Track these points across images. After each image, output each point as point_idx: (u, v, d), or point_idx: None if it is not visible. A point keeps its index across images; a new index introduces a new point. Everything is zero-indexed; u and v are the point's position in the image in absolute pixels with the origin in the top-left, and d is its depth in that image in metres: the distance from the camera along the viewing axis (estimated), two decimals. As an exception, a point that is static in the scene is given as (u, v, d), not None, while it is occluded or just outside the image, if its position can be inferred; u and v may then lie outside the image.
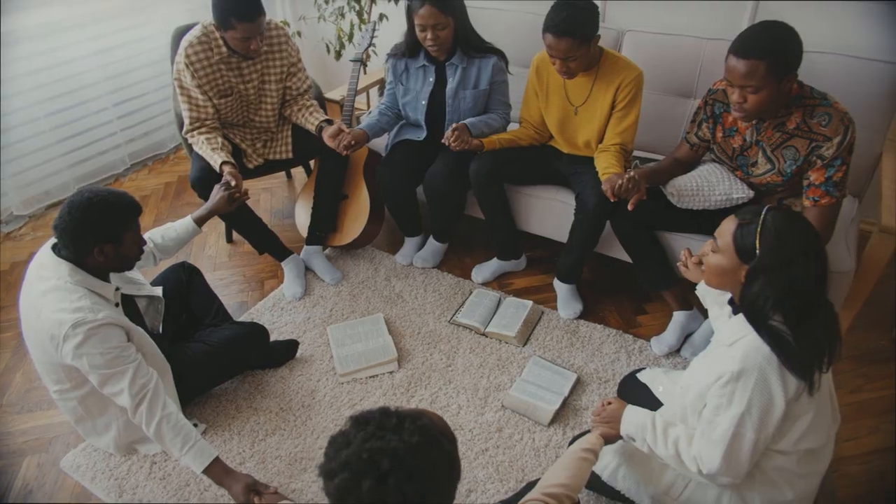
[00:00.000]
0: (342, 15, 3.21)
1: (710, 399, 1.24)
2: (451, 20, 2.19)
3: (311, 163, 2.84)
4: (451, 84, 2.34)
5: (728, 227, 1.26)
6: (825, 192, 1.71)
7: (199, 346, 1.89)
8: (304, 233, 2.59)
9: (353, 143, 2.27)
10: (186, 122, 2.27)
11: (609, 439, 1.42)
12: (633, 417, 1.38)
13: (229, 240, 2.81)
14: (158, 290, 1.90)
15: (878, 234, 1.82)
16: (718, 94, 1.89)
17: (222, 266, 2.66)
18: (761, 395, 1.17)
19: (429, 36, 2.20)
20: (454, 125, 2.20)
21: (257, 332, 1.99)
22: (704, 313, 2.11)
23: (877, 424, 1.91)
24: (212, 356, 1.88)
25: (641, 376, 1.71)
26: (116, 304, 1.65)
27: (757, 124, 1.79)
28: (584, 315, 2.32)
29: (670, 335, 2.13)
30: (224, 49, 2.19)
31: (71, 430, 1.89)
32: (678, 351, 2.13)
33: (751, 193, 1.90)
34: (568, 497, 1.19)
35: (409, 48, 2.35)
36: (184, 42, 2.19)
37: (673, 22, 2.65)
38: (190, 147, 2.35)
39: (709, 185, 1.93)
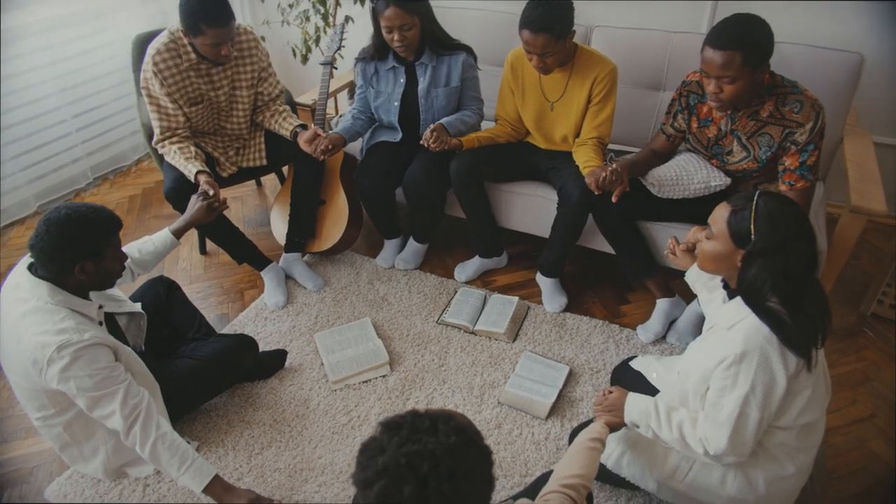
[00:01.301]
0: (307, 18, 3.16)
1: (713, 382, 1.27)
2: (417, 20, 2.17)
3: (285, 169, 2.79)
4: (423, 83, 2.33)
5: (721, 213, 1.30)
6: (800, 176, 1.78)
7: (186, 361, 1.83)
8: (281, 240, 2.54)
9: (330, 147, 2.24)
10: (157, 132, 2.20)
11: (614, 427, 1.44)
12: (636, 404, 1.41)
13: (203, 251, 2.73)
14: (138, 306, 1.83)
15: (849, 215, 1.90)
16: (692, 86, 1.94)
17: (198, 279, 2.59)
18: (764, 374, 1.20)
19: (396, 37, 2.18)
20: (432, 126, 2.19)
21: (246, 343, 1.95)
22: (687, 299, 2.17)
23: (854, 396, 2.00)
24: (200, 371, 1.83)
25: (634, 364, 1.74)
26: (100, 323, 1.59)
27: (731, 114, 1.85)
28: (570, 308, 2.35)
29: (655, 322, 2.18)
30: (193, 55, 2.13)
31: (54, 457, 1.81)
32: (664, 337, 2.17)
33: (728, 180, 1.96)
34: (584, 486, 1.21)
35: (377, 50, 2.33)
36: (150, 49, 2.12)
37: (633, 18, 2.71)
38: (161, 158, 2.27)
39: (687, 174, 1.98)
